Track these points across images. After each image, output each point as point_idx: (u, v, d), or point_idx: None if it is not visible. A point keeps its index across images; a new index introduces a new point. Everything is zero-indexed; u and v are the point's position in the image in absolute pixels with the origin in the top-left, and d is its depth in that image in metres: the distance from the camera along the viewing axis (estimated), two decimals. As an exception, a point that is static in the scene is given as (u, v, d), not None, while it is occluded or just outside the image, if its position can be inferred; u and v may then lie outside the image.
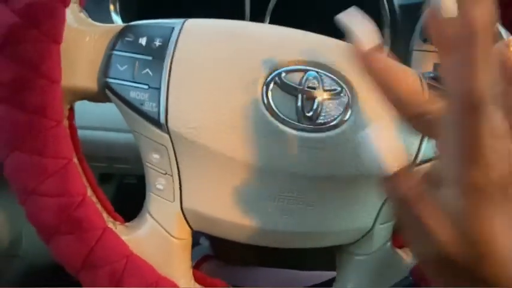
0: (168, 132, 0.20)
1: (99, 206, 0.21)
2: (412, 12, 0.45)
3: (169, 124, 0.20)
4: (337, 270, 0.27)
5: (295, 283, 0.40)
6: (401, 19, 0.45)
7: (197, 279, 0.25)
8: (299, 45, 0.22)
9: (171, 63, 0.20)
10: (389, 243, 0.25)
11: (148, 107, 0.20)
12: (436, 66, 0.46)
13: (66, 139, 0.20)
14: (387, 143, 0.22)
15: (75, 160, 0.21)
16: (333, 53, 0.22)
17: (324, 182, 0.22)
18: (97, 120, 0.36)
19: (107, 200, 0.23)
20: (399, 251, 0.26)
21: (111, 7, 0.40)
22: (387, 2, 0.44)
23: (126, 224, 0.23)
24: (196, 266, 0.58)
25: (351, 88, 0.21)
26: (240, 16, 0.45)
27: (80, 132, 0.23)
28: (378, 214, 0.24)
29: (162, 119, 0.20)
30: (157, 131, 0.20)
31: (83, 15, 0.22)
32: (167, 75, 0.19)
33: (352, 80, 0.21)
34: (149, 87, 0.20)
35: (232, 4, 0.45)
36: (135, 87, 0.19)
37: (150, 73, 0.20)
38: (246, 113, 0.20)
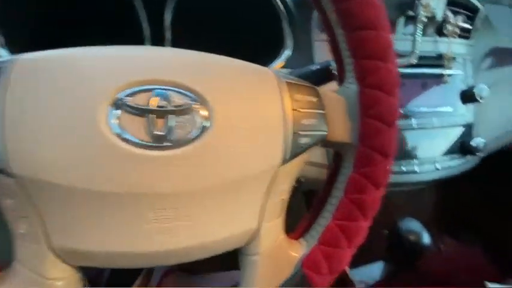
0: (13, 176, 0.19)
1: None
2: (307, 4, 0.46)
3: (12, 168, 0.19)
4: (240, 271, 0.27)
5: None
6: (297, 12, 0.46)
7: None
8: (144, 64, 0.22)
9: (3, 105, 0.19)
10: (281, 237, 0.26)
11: None
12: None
13: None
14: (250, 147, 0.23)
15: None
16: (185, 67, 0.22)
17: (193, 195, 0.22)
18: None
19: None
20: (294, 242, 0.28)
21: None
22: (279, -1, 0.45)
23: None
24: (159, 284, 0.57)
25: (204, 100, 0.21)
26: (141, 38, 0.44)
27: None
28: (261, 213, 0.25)
29: (3, 165, 0.19)
30: (2, 176, 0.19)
31: None
32: (0, 118, 0.19)
33: (205, 92, 0.22)
34: None
35: (131, 28, 0.44)
36: None
37: None
38: (93, 142, 0.20)
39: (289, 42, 0.47)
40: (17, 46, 0.41)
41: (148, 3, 0.43)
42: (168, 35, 0.45)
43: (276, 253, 0.26)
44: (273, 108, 0.23)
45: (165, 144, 0.21)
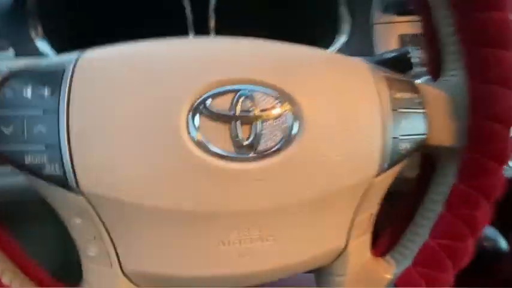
0: (83, 194, 0.17)
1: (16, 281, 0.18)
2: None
3: (81, 185, 0.16)
4: None
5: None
6: (357, -8, 0.41)
7: None
8: (226, 60, 0.18)
9: (67, 113, 0.16)
10: (367, 256, 0.23)
11: (51, 170, 0.16)
12: (402, 37, 0.42)
13: None
14: (344, 157, 0.19)
15: None
16: (269, 62, 0.19)
17: (280, 212, 0.19)
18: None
19: (42, 271, 0.20)
20: (381, 260, 0.24)
21: (33, 34, 0.36)
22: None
23: None
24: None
25: (293, 102, 0.18)
26: (183, 26, 0.41)
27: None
28: (349, 231, 0.21)
29: (71, 181, 0.16)
30: (70, 194, 0.17)
31: None
32: (65, 128, 0.16)
33: (294, 92, 0.18)
34: (46, 147, 0.16)
35: (173, 16, 0.40)
36: (29, 150, 0.16)
37: (44, 130, 0.16)
38: (170, 154, 0.17)
39: (345, 26, 0.42)
40: (56, 37, 0.38)
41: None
42: (212, 22, 0.41)
43: (365, 274, 0.23)
44: (370, 110, 0.20)
45: (251, 155, 0.17)
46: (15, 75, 0.17)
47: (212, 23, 0.40)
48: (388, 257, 0.24)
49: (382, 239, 0.26)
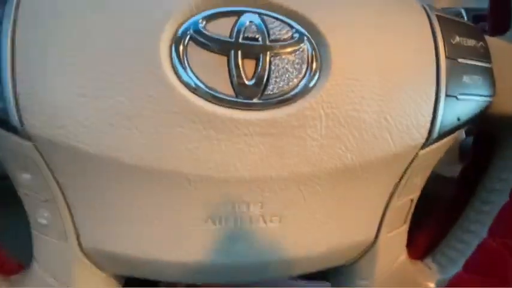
0: (30, 138, 0.13)
1: None
2: None
3: (27, 125, 0.12)
4: None
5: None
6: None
7: None
8: None
9: (13, 27, 0.12)
10: (402, 257, 0.18)
11: None
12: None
13: None
14: (381, 116, 0.14)
15: None
16: None
17: (288, 185, 0.14)
18: None
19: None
20: (420, 264, 0.19)
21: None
22: None
23: (13, 277, 0.16)
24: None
25: (317, 35, 0.13)
26: None
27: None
28: (381, 219, 0.16)
29: (14, 120, 0.12)
30: (14, 137, 0.13)
31: None
32: (8, 48, 0.12)
33: (319, 22, 0.13)
34: None
35: None
36: None
37: None
38: (144, 89, 0.12)
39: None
40: None
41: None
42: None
43: (398, 279, 0.17)
44: (420, 57, 0.15)
45: (254, 100, 0.13)
46: None
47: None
48: (428, 261, 0.19)
49: (421, 238, 0.20)
